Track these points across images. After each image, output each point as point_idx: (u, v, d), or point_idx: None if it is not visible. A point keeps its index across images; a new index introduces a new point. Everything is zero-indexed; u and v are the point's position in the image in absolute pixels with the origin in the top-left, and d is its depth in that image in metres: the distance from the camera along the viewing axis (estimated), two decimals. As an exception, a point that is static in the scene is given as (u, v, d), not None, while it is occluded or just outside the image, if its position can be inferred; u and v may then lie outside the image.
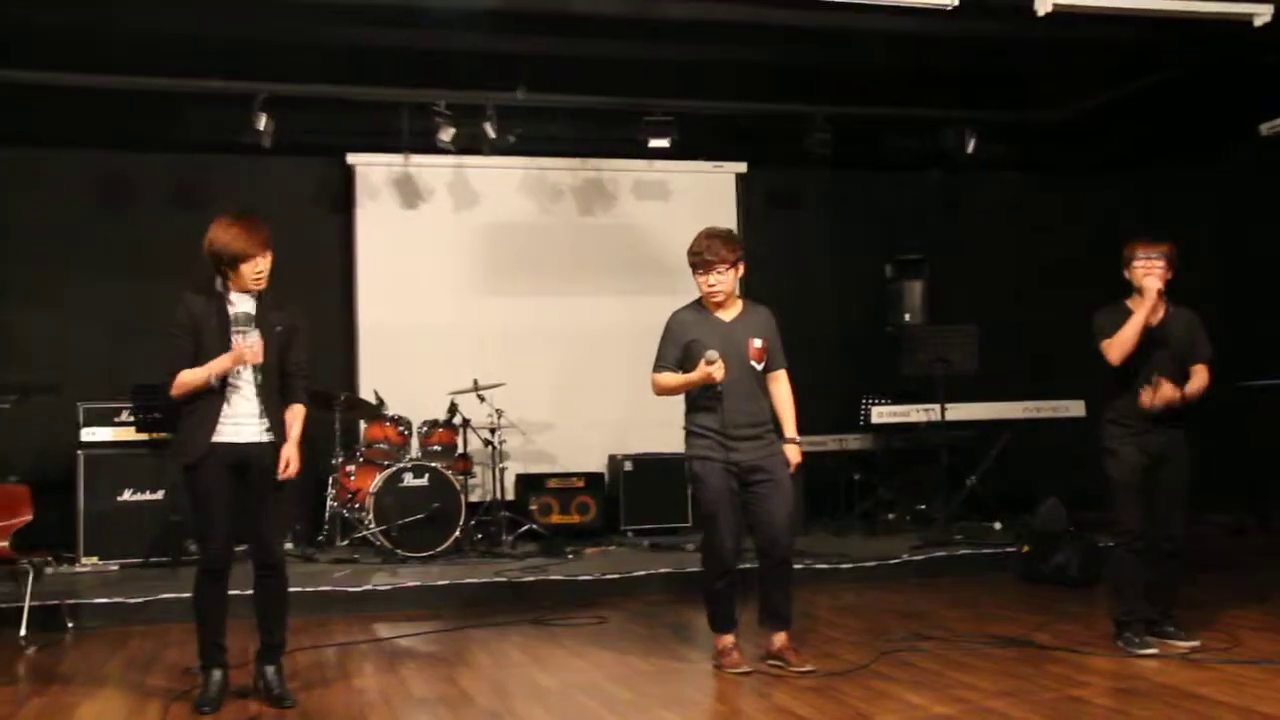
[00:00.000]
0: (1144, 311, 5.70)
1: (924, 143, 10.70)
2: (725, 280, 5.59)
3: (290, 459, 5.11)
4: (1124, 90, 9.60)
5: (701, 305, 5.72)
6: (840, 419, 9.94)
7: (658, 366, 5.66)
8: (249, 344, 4.97)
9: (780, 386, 5.76)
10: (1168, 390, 5.65)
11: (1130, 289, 5.86)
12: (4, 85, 8.51)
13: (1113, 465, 5.83)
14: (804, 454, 5.77)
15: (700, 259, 5.58)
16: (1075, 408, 9.75)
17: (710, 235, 5.64)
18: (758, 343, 5.63)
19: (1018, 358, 10.65)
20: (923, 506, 10.03)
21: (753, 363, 5.60)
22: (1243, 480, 9.23)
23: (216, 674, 5.11)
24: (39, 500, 7.03)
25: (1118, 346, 5.73)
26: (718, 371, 5.42)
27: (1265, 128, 9.13)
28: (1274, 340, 9.19)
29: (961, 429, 9.69)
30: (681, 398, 5.70)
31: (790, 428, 5.73)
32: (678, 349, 5.61)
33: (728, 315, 5.66)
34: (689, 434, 5.66)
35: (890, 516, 10.10)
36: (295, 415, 5.22)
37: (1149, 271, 5.73)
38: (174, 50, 8.47)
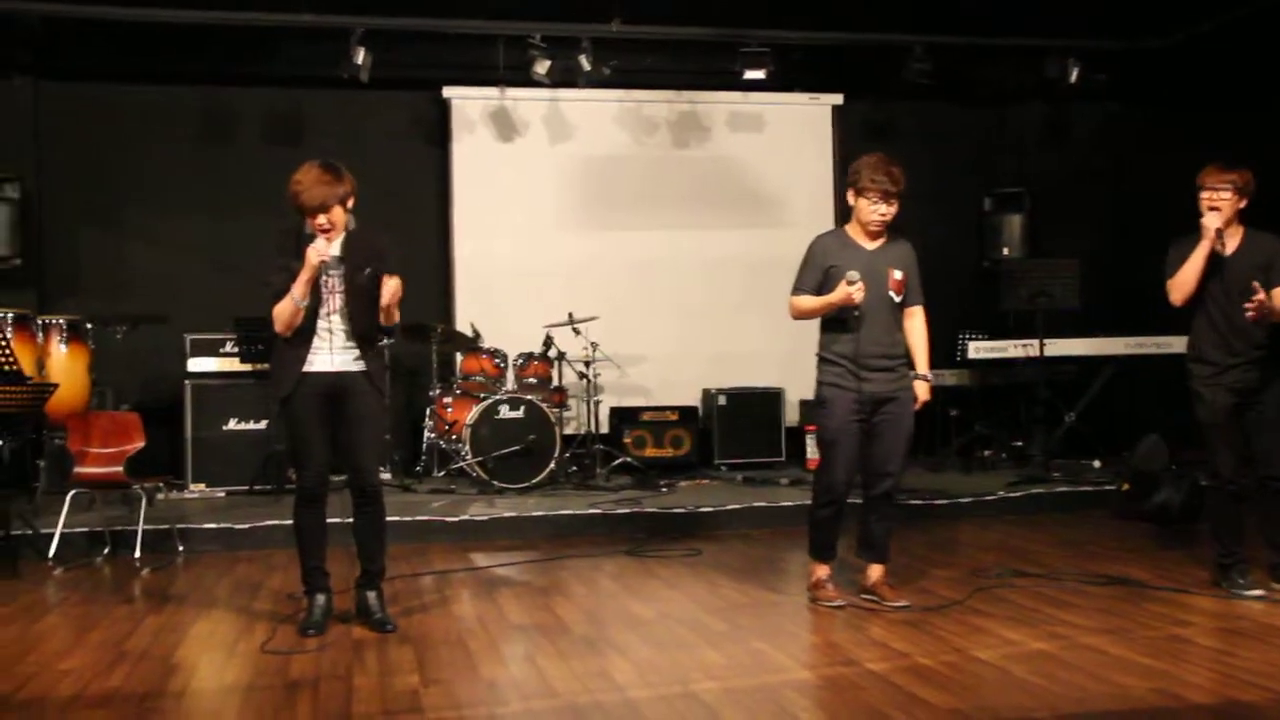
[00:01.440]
0: (1203, 250, 5.47)
1: (1025, 72, 10.45)
2: (893, 211, 5.52)
3: (392, 283, 5.02)
4: (1234, 15, 9.26)
5: (844, 232, 5.65)
6: (937, 354, 9.68)
7: (796, 290, 5.59)
8: (313, 249, 4.98)
9: (916, 322, 5.68)
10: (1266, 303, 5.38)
11: None
12: (103, 23, 8.68)
13: (1199, 407, 5.65)
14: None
15: (883, 186, 5.46)
16: (1178, 344, 9.31)
17: (891, 163, 5.52)
18: (898, 274, 5.55)
19: (1120, 293, 10.41)
20: (1020, 443, 9.91)
21: (891, 294, 5.53)
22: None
23: (320, 599, 5.23)
24: (149, 428, 7.25)
25: (1178, 287, 5.55)
26: (858, 293, 5.35)
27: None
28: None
29: (1061, 365, 9.54)
30: (792, 329, 5.64)
31: (923, 364, 5.66)
32: (818, 274, 5.54)
33: (871, 245, 5.59)
34: (821, 360, 5.60)
35: (986, 453, 9.99)
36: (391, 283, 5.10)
37: (1212, 204, 5.51)
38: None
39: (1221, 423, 5.60)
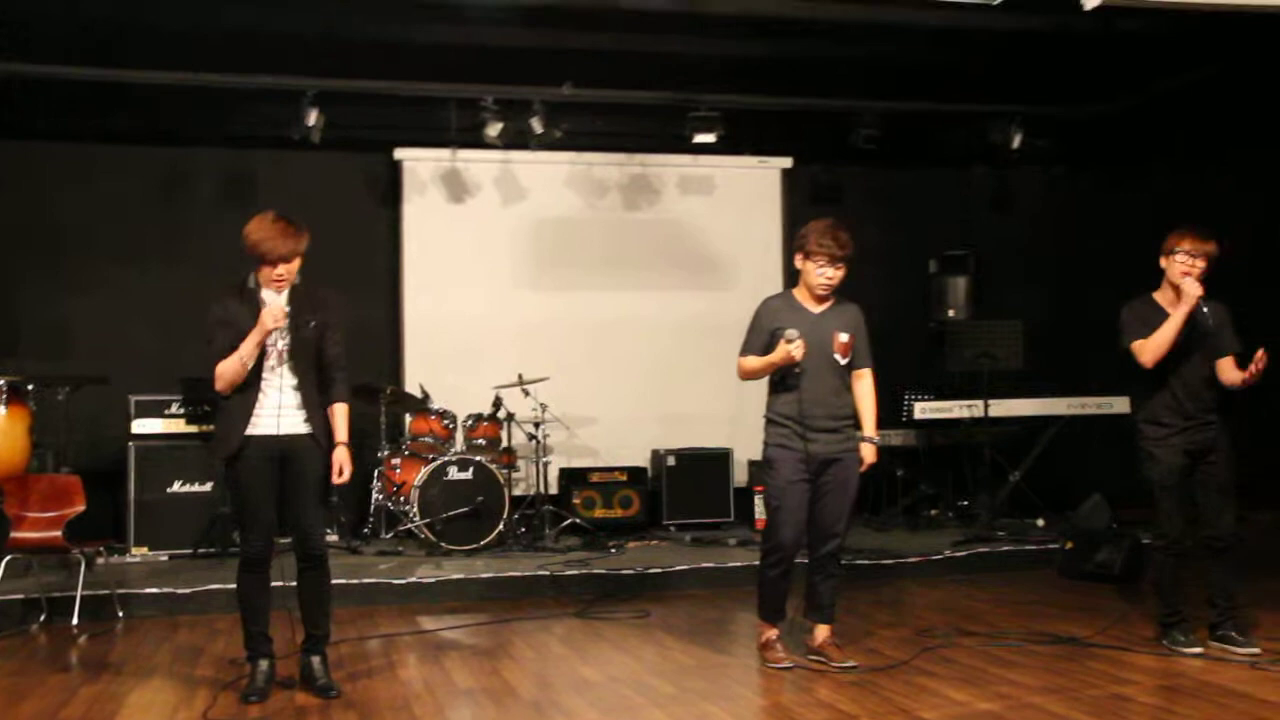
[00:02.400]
0: (1182, 314, 5.55)
1: (970, 138, 10.65)
2: (840, 275, 5.61)
3: (343, 464, 5.19)
4: (1172, 85, 9.52)
5: (792, 295, 5.73)
6: (883, 414, 9.73)
7: (743, 351, 5.68)
8: (269, 311, 5.00)
9: (864, 384, 5.76)
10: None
11: (1161, 277, 5.76)
12: (60, 82, 8.67)
13: (1151, 467, 5.72)
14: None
15: (829, 251, 5.56)
16: (1120, 404, 9.67)
17: (839, 228, 5.62)
18: (844, 336, 5.62)
19: (1062, 354, 10.57)
20: (965, 502, 9.99)
21: (837, 356, 5.60)
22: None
23: (263, 664, 5.18)
24: (91, 491, 7.15)
25: (1153, 350, 5.60)
26: (797, 350, 5.43)
27: (1316, 122, 9.00)
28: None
29: (1005, 425, 9.64)
30: (739, 391, 5.70)
31: (870, 426, 5.73)
32: (764, 336, 5.62)
33: (818, 308, 5.67)
34: (769, 421, 5.67)
35: (933, 512, 10.07)
36: (339, 415, 5.27)
37: (1189, 271, 5.60)
38: (225, 47, 8.59)
39: (1173, 484, 5.68)
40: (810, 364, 5.49)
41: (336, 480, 5.18)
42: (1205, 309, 5.56)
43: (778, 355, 5.48)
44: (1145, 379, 5.74)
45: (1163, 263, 5.75)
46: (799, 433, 5.52)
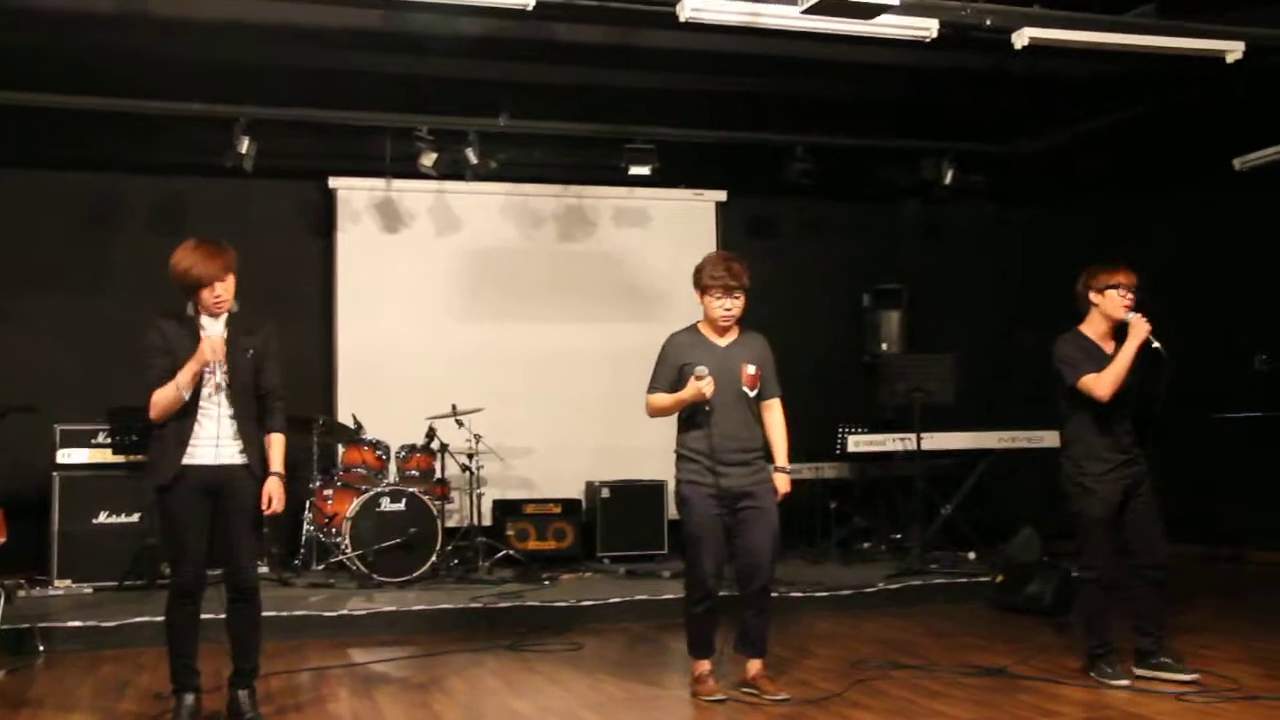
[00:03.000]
0: (1133, 348, 5.61)
1: (902, 173, 10.80)
2: (740, 305, 5.63)
3: (274, 494, 5.12)
4: (1100, 123, 9.74)
5: (697, 329, 5.75)
6: (816, 448, 9.96)
7: (651, 388, 5.68)
8: (208, 342, 4.95)
9: (774, 414, 5.77)
10: None
11: (1084, 313, 5.85)
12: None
13: (1089, 503, 5.76)
14: (785, 483, 5.78)
15: (723, 282, 5.58)
16: (1050, 438, 9.74)
17: (730, 259, 5.66)
18: (751, 369, 5.65)
19: (994, 388, 10.72)
20: (898, 535, 10.07)
21: (745, 389, 5.62)
22: (1209, 512, 9.32)
23: (189, 698, 5.07)
24: (12, 522, 6.96)
25: (1111, 384, 5.63)
26: (707, 388, 5.44)
27: (1239, 162, 9.22)
28: (1231, 374, 9.31)
29: (937, 458, 9.74)
30: (672, 422, 5.72)
31: (781, 456, 5.75)
32: (672, 372, 5.63)
33: (724, 340, 5.69)
34: (679, 457, 5.68)
35: (866, 545, 10.15)
36: (275, 445, 5.21)
37: (1130, 304, 5.72)
38: (156, 74, 8.49)
39: (1108, 518, 5.75)
40: (719, 398, 5.51)
41: (267, 511, 5.11)
42: (1155, 342, 5.65)
43: (688, 393, 5.50)
44: (1082, 415, 5.79)
45: (1092, 298, 5.82)
46: (709, 467, 5.53)
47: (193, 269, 4.97)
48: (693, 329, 5.79)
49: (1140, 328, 5.64)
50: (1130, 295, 5.75)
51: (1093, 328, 5.85)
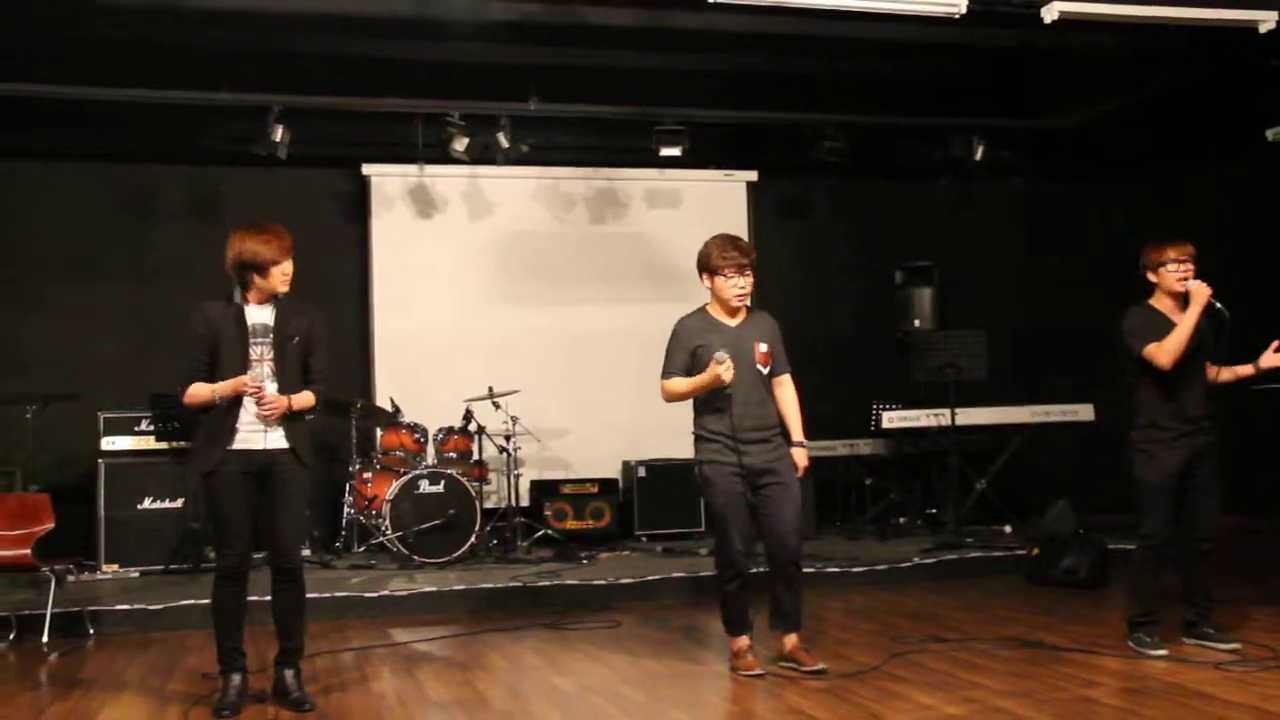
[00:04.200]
0: (1195, 315, 5.63)
1: (933, 150, 10.77)
2: (750, 283, 5.67)
3: (276, 398, 5.06)
4: (1131, 97, 9.67)
5: (706, 311, 5.79)
6: (851, 424, 10.01)
7: (666, 373, 5.72)
8: (264, 396, 5.02)
9: (786, 391, 5.83)
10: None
11: (1151, 290, 5.86)
12: (26, 99, 8.64)
13: (1149, 468, 5.76)
14: (815, 459, 5.85)
15: (735, 261, 5.63)
16: (1084, 412, 9.80)
17: (735, 240, 5.71)
18: (763, 347, 5.70)
19: (1026, 362, 10.72)
20: (933, 510, 10.10)
21: (759, 367, 5.68)
22: (1246, 483, 9.28)
23: (235, 678, 5.17)
24: (60, 508, 7.12)
25: (1173, 350, 5.64)
26: (726, 373, 5.48)
27: (1271, 133, 9.16)
28: (1266, 346, 9.23)
29: (971, 433, 9.76)
30: (690, 403, 5.76)
31: (797, 431, 5.79)
32: (686, 355, 5.68)
33: (734, 321, 5.73)
34: (698, 439, 5.73)
35: (901, 520, 10.17)
36: (302, 394, 5.21)
37: (1186, 275, 5.73)
38: (191, 64, 8.60)
39: (1168, 486, 5.76)
40: (735, 378, 5.54)
41: (263, 400, 5.04)
42: (1218, 304, 5.67)
43: (706, 377, 5.53)
44: (1148, 385, 5.80)
45: (1151, 278, 5.85)
46: (731, 446, 5.58)
47: (263, 249, 5.06)
48: (701, 311, 5.81)
49: (1201, 294, 5.65)
50: (1186, 266, 5.75)
51: (1161, 301, 5.86)
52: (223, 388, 5.03)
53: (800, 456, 5.73)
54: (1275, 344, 5.69)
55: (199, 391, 5.06)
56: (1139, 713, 4.84)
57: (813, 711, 4.96)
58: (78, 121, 9.12)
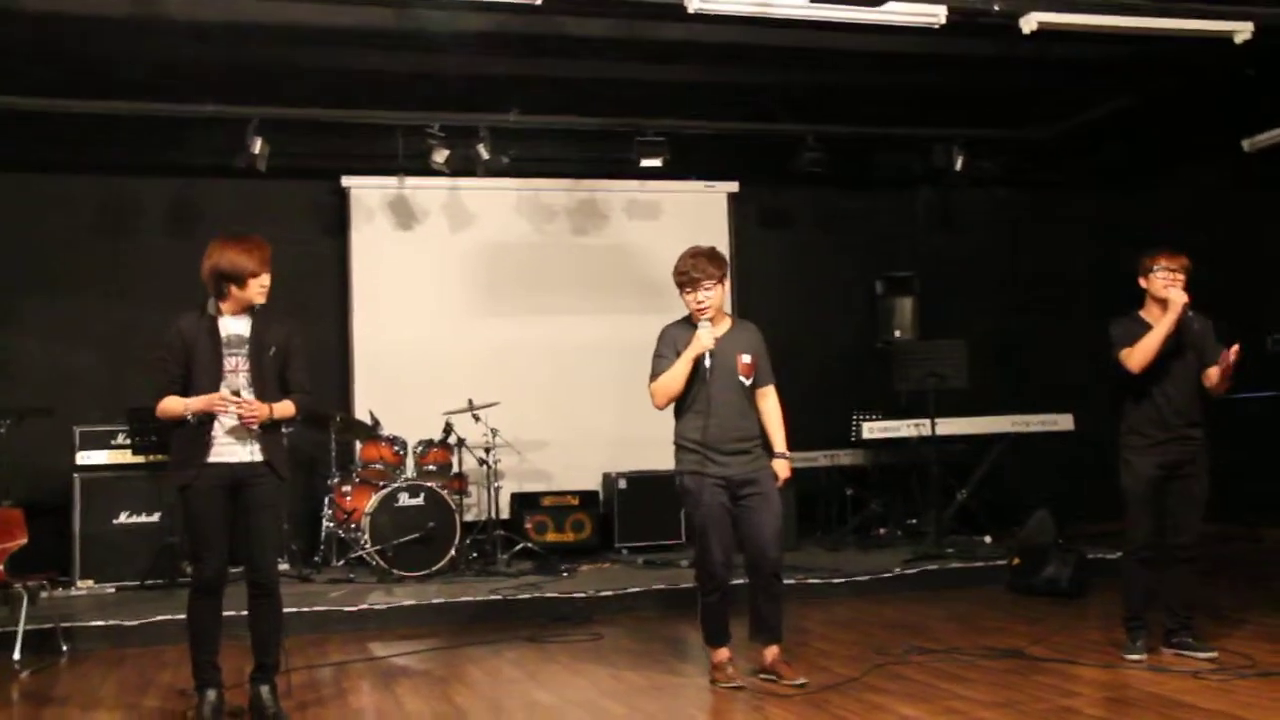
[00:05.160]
0: (1168, 322, 5.69)
1: (913, 161, 10.79)
2: (713, 296, 5.66)
3: (253, 404, 5.04)
4: (1109, 107, 9.72)
5: (691, 322, 5.78)
6: (832, 435, 9.99)
7: (653, 374, 5.71)
8: (243, 401, 5.00)
9: (769, 402, 5.82)
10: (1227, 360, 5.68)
11: (1143, 299, 5.90)
12: (1, 111, 8.58)
13: (1126, 473, 5.86)
14: (796, 469, 5.83)
15: (687, 277, 5.65)
16: (1064, 421, 9.81)
17: (695, 254, 5.71)
18: (746, 358, 5.69)
19: (1007, 373, 10.73)
20: (914, 520, 10.10)
21: (741, 378, 5.67)
22: (1227, 491, 9.31)
23: (211, 694, 5.12)
24: (34, 523, 7.06)
25: (1140, 355, 5.72)
26: (706, 336, 5.52)
27: (1249, 143, 9.20)
28: (1244, 355, 9.28)
29: (952, 443, 9.75)
30: (671, 413, 5.74)
31: (780, 443, 5.79)
32: (671, 359, 5.66)
33: (716, 332, 5.72)
34: (678, 448, 5.71)
35: (882, 531, 10.17)
36: (282, 403, 5.18)
37: (1172, 283, 5.76)
38: (169, 76, 8.54)
39: (1143, 492, 5.80)
40: (715, 387, 5.55)
41: (243, 410, 5.03)
42: (1190, 313, 5.71)
43: (692, 349, 5.55)
44: (1130, 391, 5.86)
45: (1142, 283, 5.89)
46: (709, 456, 5.58)
47: (241, 260, 5.04)
48: (686, 320, 5.81)
49: (1176, 303, 5.69)
50: (1175, 275, 5.79)
51: (1148, 310, 5.90)
52: (195, 403, 4.99)
53: (782, 468, 5.72)
54: (1235, 346, 5.71)
55: (171, 405, 5.03)
56: (1120, 723, 4.83)
57: (793, 724, 4.94)
58: (53, 134, 9.06)
